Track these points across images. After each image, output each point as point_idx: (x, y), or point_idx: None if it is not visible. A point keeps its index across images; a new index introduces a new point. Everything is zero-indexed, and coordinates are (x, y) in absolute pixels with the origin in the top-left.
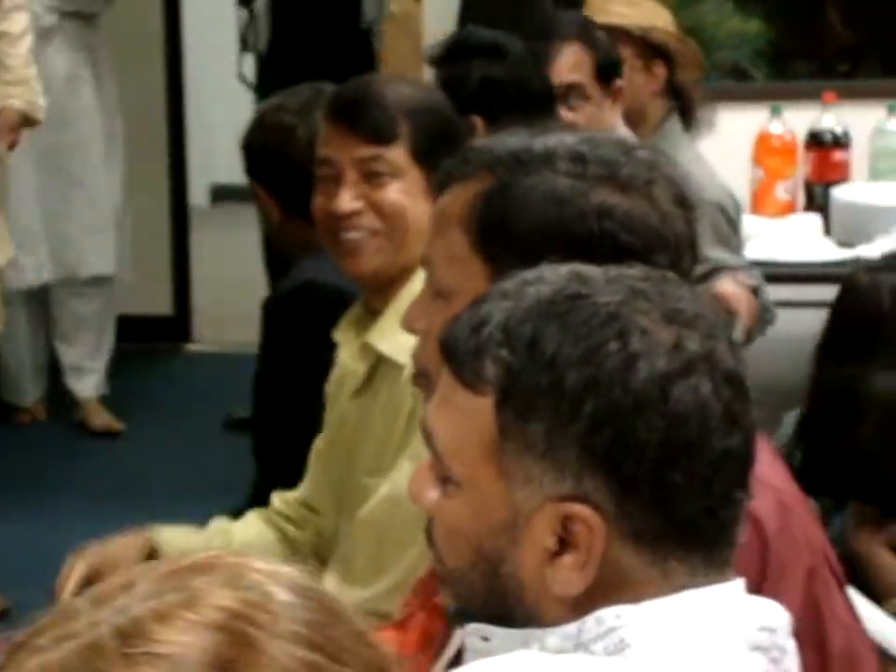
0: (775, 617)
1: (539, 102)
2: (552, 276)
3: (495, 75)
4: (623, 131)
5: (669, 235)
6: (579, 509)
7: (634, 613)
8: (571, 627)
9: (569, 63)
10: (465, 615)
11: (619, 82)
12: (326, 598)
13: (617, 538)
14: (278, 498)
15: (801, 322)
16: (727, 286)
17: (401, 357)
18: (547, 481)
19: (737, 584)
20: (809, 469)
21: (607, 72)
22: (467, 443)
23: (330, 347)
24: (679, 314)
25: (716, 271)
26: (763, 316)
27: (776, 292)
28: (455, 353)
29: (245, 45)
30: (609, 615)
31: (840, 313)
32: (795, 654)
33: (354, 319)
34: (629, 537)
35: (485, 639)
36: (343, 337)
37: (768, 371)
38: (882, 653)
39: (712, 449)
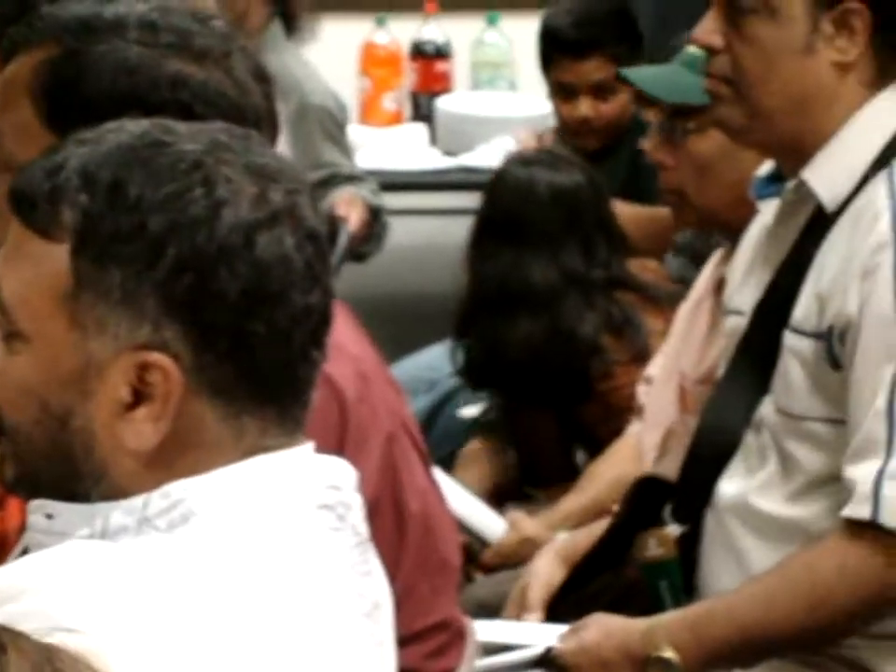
0: (341, 475)
1: None
2: (133, 126)
3: None
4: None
5: (247, 107)
6: (156, 357)
7: (201, 483)
8: (136, 501)
9: None
10: (28, 487)
11: None
12: None
13: (194, 389)
14: None
15: (410, 229)
16: (344, 192)
17: None
18: (124, 329)
19: (306, 447)
20: (473, 364)
21: None
22: (37, 293)
23: None
24: (263, 167)
25: (335, 177)
26: (379, 235)
27: (384, 200)
28: (27, 200)
29: None
30: (176, 488)
31: (495, 206)
32: (361, 508)
33: None
34: (206, 388)
35: (49, 517)
36: None
37: (385, 279)
38: (462, 528)
39: (293, 302)
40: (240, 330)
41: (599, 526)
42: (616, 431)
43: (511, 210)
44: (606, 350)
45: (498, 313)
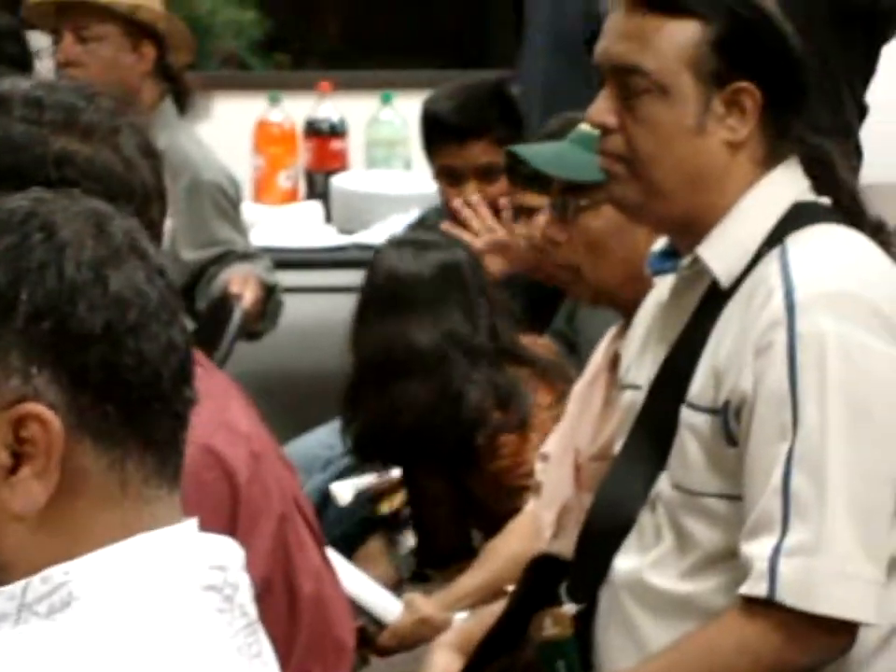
0: (226, 554)
1: None
2: None
3: None
4: None
5: (135, 184)
6: (29, 407)
7: (83, 566)
8: (16, 587)
9: None
10: None
11: None
12: None
13: (76, 436)
14: None
15: (306, 307)
16: (239, 270)
17: None
18: None
19: (190, 524)
20: (363, 437)
21: None
22: None
23: None
24: (94, 210)
25: (229, 254)
26: (273, 312)
27: (280, 278)
28: None
29: None
30: (57, 572)
31: (374, 284)
32: (249, 589)
33: None
34: (88, 433)
35: None
36: None
37: (281, 357)
38: (357, 610)
39: (156, 335)
40: (109, 364)
41: (494, 610)
42: (513, 510)
43: (390, 287)
44: (491, 420)
45: (386, 381)
